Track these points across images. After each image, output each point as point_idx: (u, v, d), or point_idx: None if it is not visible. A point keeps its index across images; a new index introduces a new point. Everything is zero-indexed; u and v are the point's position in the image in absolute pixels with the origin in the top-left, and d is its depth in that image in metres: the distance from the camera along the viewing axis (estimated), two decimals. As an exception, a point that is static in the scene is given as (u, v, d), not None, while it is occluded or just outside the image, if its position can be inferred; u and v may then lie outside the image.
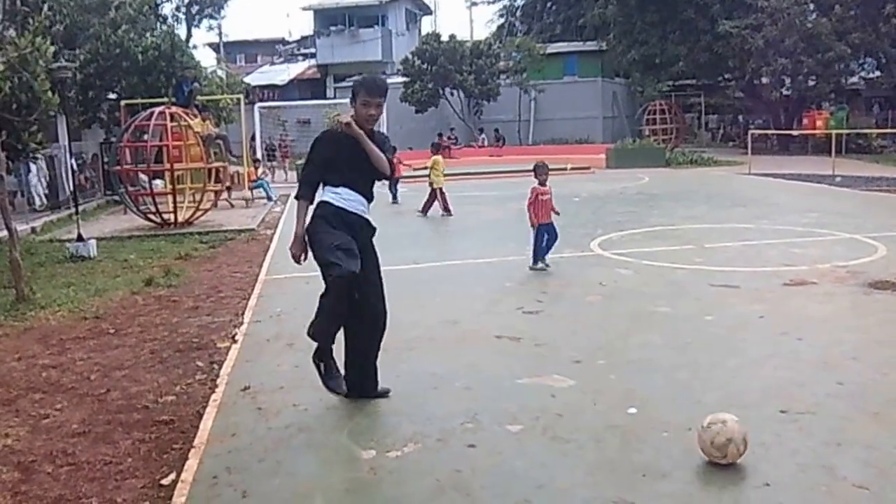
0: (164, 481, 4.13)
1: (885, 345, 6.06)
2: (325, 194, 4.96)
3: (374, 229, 5.12)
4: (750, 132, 29.04)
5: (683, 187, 19.91)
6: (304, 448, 4.48)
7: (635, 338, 6.45)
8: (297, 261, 5.07)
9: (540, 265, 9.31)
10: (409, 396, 5.22)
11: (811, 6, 31.95)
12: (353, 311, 4.95)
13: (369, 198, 5.05)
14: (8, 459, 4.47)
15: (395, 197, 18.26)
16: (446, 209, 15.53)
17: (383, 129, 23.62)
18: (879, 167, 24.83)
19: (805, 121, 33.36)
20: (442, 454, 4.32)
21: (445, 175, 16.46)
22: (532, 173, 9.59)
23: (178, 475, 4.16)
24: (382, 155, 4.94)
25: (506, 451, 4.33)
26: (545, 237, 9.29)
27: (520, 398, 5.09)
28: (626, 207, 15.93)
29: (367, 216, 5.05)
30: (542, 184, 9.35)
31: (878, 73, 34.24)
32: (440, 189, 15.52)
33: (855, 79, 35.23)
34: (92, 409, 5.23)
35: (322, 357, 5.10)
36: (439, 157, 16.13)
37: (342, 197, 4.92)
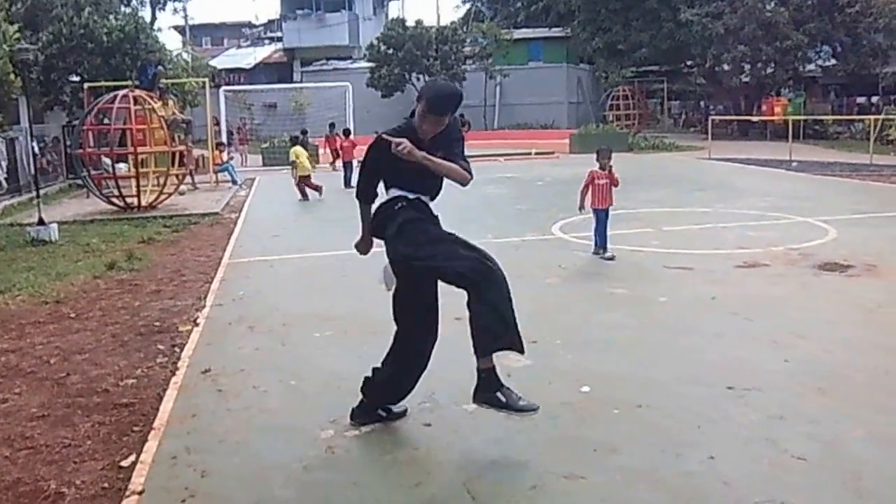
0: (124, 463, 4.14)
1: (831, 324, 6.26)
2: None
3: None
4: (710, 118, 29.52)
5: (644, 172, 20.13)
6: (263, 428, 4.54)
7: (591, 319, 6.60)
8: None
9: (608, 254, 8.93)
10: (369, 377, 5.30)
11: None
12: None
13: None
14: (-35, 444, 4.45)
15: (349, 182, 18.46)
16: (309, 193, 16.48)
17: (349, 114, 23.55)
18: (834, 152, 25.40)
19: (764, 107, 34.01)
20: (399, 433, 4.41)
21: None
22: (595, 155, 9.23)
23: (138, 457, 4.18)
24: (454, 166, 4.27)
25: (462, 429, 4.43)
26: (602, 221, 9.02)
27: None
28: (589, 191, 16.05)
29: None
30: (603, 167, 9.01)
31: (833, 62, 35.07)
32: (307, 176, 16.46)
33: (812, 66, 35.99)
34: (51, 392, 5.22)
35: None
36: (299, 149, 16.96)
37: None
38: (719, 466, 3.85)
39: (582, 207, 9.11)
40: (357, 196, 4.54)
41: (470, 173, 4.36)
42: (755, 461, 3.91)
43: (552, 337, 6.03)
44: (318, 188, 16.58)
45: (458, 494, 3.69)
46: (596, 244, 9.06)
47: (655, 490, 3.66)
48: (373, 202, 4.51)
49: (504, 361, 5.42)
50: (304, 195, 16.46)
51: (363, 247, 4.69)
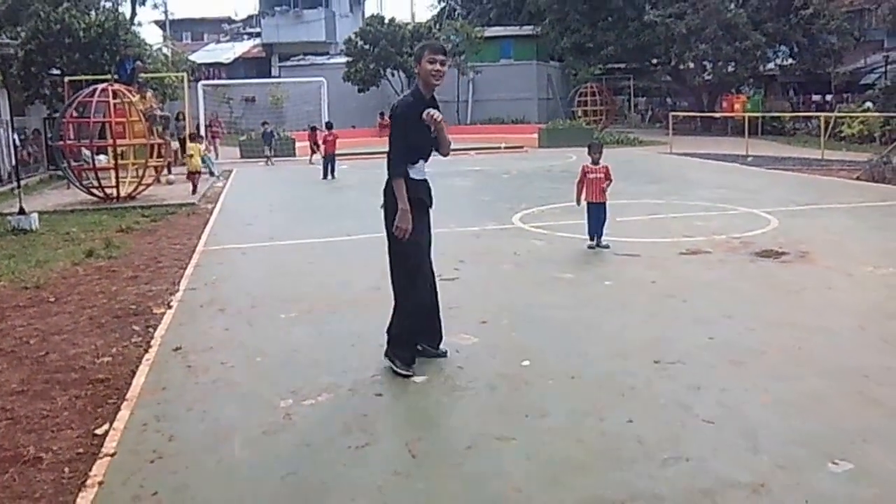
0: (98, 431, 4.44)
1: (757, 304, 6.72)
2: (409, 172, 5.25)
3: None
4: (670, 114, 30.37)
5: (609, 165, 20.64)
6: (228, 399, 4.88)
7: (538, 300, 7.03)
8: (406, 236, 5.18)
9: (593, 243, 9.09)
10: (329, 353, 5.68)
11: None
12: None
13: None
14: (-52, 416, 4.72)
15: (332, 172, 18.92)
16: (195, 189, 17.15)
17: (325, 108, 24.10)
18: (790, 148, 26.13)
19: (724, 104, 35.08)
20: (352, 401, 4.79)
21: (381, 153, 17.36)
22: (587, 149, 9.41)
23: (111, 425, 4.48)
24: (447, 136, 5.36)
25: (409, 398, 4.85)
26: (595, 216, 9.10)
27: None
28: (551, 184, 16.62)
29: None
30: (595, 162, 9.12)
31: (791, 61, 36.28)
32: (197, 172, 17.34)
33: (771, 65, 37.15)
34: (31, 370, 5.49)
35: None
36: (196, 145, 18.06)
37: (419, 170, 5.35)
38: (635, 428, 4.26)
39: (579, 202, 9.16)
40: (397, 174, 5.18)
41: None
42: (668, 424, 4.32)
43: (499, 317, 6.46)
44: (195, 186, 17.28)
45: (400, 453, 4.06)
46: (590, 237, 9.17)
47: (575, 447, 4.07)
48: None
49: (453, 339, 5.87)
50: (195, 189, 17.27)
51: (405, 223, 5.16)
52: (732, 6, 33.41)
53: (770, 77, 38.65)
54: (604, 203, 9.15)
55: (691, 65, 35.03)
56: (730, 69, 34.43)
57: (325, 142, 20.13)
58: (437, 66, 5.18)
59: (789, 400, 4.61)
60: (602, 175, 9.15)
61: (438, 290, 5.62)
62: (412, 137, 5.22)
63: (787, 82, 39.07)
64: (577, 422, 4.39)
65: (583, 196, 9.18)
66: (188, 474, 3.91)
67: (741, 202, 12.99)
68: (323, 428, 4.42)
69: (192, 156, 17.31)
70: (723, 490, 3.58)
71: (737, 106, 33.24)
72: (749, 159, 21.69)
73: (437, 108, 5.26)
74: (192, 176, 17.17)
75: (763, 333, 5.90)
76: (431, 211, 5.51)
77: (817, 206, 12.71)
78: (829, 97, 35.36)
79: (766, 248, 9.02)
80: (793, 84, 38.82)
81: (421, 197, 5.32)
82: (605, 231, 9.21)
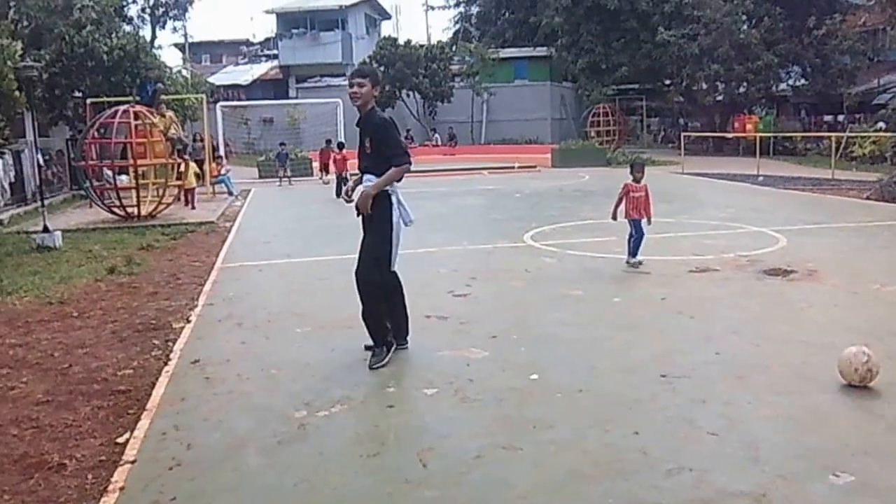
0: (120, 440, 4.59)
1: (763, 321, 6.81)
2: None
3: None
4: (682, 134, 30.58)
5: (618, 185, 20.63)
6: (244, 409, 5.02)
7: (548, 316, 7.14)
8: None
9: (634, 261, 9.25)
10: (342, 367, 5.82)
11: (743, 18, 33.87)
12: None
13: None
14: (-24, 425, 4.89)
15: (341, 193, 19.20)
16: (192, 205, 17.88)
17: (341, 130, 24.35)
18: (801, 168, 26.16)
19: (736, 124, 35.14)
20: (364, 413, 4.93)
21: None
22: (629, 169, 9.63)
23: (132, 434, 4.63)
24: (385, 178, 5.77)
25: (419, 409, 4.98)
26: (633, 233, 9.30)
27: (438, 367, 5.71)
28: (562, 203, 16.79)
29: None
30: (637, 181, 9.34)
31: (803, 81, 36.16)
32: (192, 189, 18.07)
33: (783, 86, 37.11)
34: (55, 381, 5.66)
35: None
36: (192, 163, 18.67)
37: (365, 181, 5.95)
38: (640, 439, 4.36)
39: (615, 217, 9.36)
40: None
41: (400, 162, 5.73)
42: (672, 436, 4.42)
43: (509, 332, 6.59)
44: (189, 202, 18.01)
45: (410, 462, 4.17)
46: (630, 252, 9.31)
47: (580, 457, 4.17)
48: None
49: (465, 353, 6.02)
50: (192, 204, 17.88)
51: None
52: (745, 26, 33.52)
53: (782, 97, 38.63)
54: (640, 220, 9.33)
55: (704, 85, 35.07)
56: (742, 89, 34.54)
57: (335, 161, 20.56)
58: (354, 89, 5.74)
59: (792, 414, 4.70)
60: (643, 194, 9.34)
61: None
62: None
63: (800, 103, 39.04)
64: (583, 434, 4.48)
65: (620, 211, 9.34)
66: (205, 481, 4.04)
67: (751, 221, 13.08)
68: (335, 437, 4.54)
69: (185, 172, 17.86)
70: (723, 500, 3.66)
71: (749, 126, 33.29)
72: (760, 179, 21.75)
73: (373, 128, 5.78)
74: (187, 192, 17.80)
75: (768, 349, 5.98)
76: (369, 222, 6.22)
77: (826, 226, 12.79)
78: (840, 117, 35.25)
79: (774, 266, 9.10)
80: (805, 104, 38.80)
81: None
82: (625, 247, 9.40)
